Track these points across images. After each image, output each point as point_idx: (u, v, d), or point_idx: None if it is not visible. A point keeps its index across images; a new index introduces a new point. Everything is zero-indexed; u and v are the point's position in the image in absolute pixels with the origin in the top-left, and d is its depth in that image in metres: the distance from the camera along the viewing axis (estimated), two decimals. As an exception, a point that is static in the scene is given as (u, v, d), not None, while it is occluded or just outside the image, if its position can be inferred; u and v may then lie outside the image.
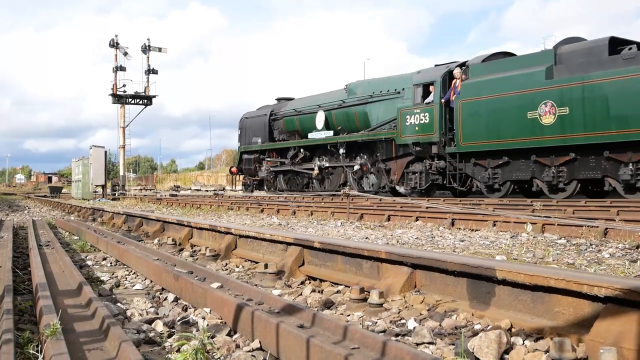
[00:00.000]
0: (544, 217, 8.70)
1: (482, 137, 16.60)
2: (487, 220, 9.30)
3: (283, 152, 25.97)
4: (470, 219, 9.64)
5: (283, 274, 5.01)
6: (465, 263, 3.36)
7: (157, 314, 3.78)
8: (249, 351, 2.90)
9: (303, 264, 5.13)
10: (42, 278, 4.16)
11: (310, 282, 4.84)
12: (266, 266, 4.98)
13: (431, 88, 18.61)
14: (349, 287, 4.16)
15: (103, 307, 3.31)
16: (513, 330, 3.00)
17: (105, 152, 35.85)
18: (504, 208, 11.45)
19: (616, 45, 14.65)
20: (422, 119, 18.54)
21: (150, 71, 36.39)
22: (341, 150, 22.34)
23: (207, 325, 3.34)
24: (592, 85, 14.23)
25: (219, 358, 2.83)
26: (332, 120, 23.19)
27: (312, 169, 23.93)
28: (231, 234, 6.62)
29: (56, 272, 5.17)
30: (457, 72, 17.82)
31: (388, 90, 20.68)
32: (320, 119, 23.68)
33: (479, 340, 2.68)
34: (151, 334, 3.20)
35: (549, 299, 2.92)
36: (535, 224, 8.40)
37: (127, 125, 36.52)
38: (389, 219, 11.38)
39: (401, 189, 19.82)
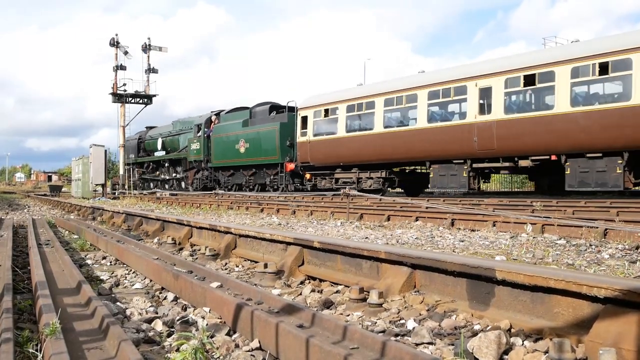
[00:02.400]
0: (544, 217, 8.70)
1: (222, 158, 28.96)
2: (486, 221, 9.30)
3: (143, 164, 38.86)
4: (470, 219, 9.64)
5: (283, 273, 5.01)
6: (464, 263, 3.36)
7: (157, 313, 3.78)
8: (249, 351, 2.90)
9: (303, 263, 5.13)
10: (41, 277, 4.16)
11: (309, 282, 4.84)
12: (266, 266, 4.98)
13: (201, 127, 31.19)
14: (348, 287, 4.16)
15: (102, 306, 3.31)
16: (512, 330, 3.00)
17: (105, 151, 35.83)
18: (504, 208, 11.45)
19: (274, 109, 26.81)
20: (197, 146, 31.19)
21: (151, 70, 36.35)
22: (166, 164, 35.87)
23: (207, 324, 3.34)
24: (257, 132, 26.41)
25: (218, 357, 2.83)
26: (166, 144, 35.89)
27: (157, 176, 37.46)
28: (231, 233, 6.62)
29: (56, 271, 5.17)
30: (213, 118, 30.76)
31: (187, 127, 33.38)
32: (159, 144, 36.49)
33: (478, 340, 2.68)
34: (150, 333, 3.20)
35: (549, 300, 2.92)
36: (535, 224, 8.41)
37: (127, 124, 36.47)
38: (388, 219, 11.38)
39: (190, 189, 31.92)
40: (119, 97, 36.07)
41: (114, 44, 35.66)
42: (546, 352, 2.58)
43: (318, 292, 4.42)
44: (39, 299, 3.41)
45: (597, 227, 7.51)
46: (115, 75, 35.87)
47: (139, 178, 38.92)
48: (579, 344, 2.63)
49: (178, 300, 4.19)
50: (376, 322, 3.37)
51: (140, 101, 36.74)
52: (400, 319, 3.41)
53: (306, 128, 22.88)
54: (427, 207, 11.68)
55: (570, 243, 7.03)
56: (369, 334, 2.63)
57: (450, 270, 3.48)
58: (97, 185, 33.28)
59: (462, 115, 17.16)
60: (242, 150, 27.09)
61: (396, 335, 3.09)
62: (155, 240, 8.73)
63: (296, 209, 14.52)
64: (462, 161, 17.27)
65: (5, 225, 10.53)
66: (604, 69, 13.89)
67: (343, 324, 2.80)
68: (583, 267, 5.12)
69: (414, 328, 3.12)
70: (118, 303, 4.06)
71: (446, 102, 17.69)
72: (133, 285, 5.01)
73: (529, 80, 15.52)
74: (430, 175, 18.47)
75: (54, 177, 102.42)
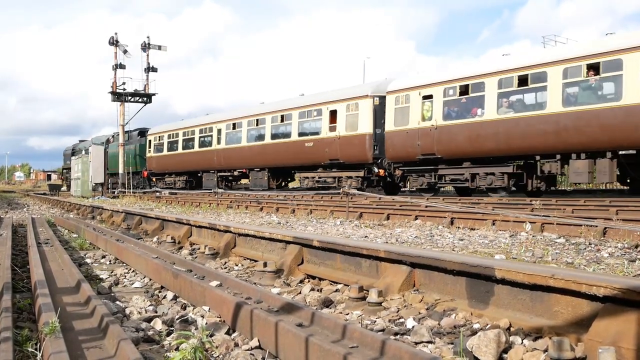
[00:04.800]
0: (543, 216, 8.70)
1: (113, 167, 37.74)
2: (486, 220, 9.30)
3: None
4: (470, 218, 9.64)
5: (282, 272, 5.01)
6: (464, 262, 3.36)
7: (156, 312, 3.78)
8: (248, 350, 2.90)
9: (302, 262, 5.13)
10: (41, 276, 4.16)
11: (309, 281, 4.85)
12: (265, 264, 4.98)
13: (104, 144, 40.40)
14: (348, 285, 4.16)
15: (102, 306, 3.31)
16: (512, 329, 3.00)
17: (105, 149, 35.82)
18: (503, 207, 11.45)
19: (141, 133, 37.25)
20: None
21: (150, 69, 36.30)
22: None
23: (206, 323, 3.34)
24: (129, 149, 37.04)
25: (217, 356, 2.83)
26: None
27: None
28: (230, 232, 6.62)
29: (55, 269, 5.17)
30: (110, 138, 40.45)
31: (98, 143, 40.55)
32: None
33: (477, 339, 2.68)
34: (150, 332, 3.20)
35: (548, 299, 2.92)
36: (535, 223, 8.41)
37: (126, 123, 36.43)
38: (388, 218, 11.38)
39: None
40: (119, 96, 36.04)
41: (114, 42, 35.62)
42: (545, 350, 2.58)
43: (317, 290, 4.42)
44: (38, 298, 3.41)
45: (596, 226, 7.52)
46: (115, 74, 35.85)
47: (71, 179, 48.54)
48: (578, 343, 2.63)
49: (177, 299, 4.19)
50: (375, 321, 3.37)
51: (140, 100, 36.70)
52: (400, 318, 3.41)
53: (151, 147, 35.34)
54: (426, 206, 11.68)
55: (569, 242, 7.03)
56: (368, 332, 2.63)
57: (450, 269, 3.48)
58: (96, 184, 33.45)
59: (212, 144, 29.64)
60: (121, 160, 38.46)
61: (395, 334, 3.09)
62: (155, 239, 8.73)
63: (295, 208, 14.52)
64: (214, 172, 29.65)
65: (4, 224, 10.52)
66: (282, 118, 24.51)
67: (342, 323, 2.80)
68: (582, 266, 5.12)
69: (413, 327, 3.13)
70: (117, 302, 4.06)
71: (205, 136, 30.21)
72: (132, 284, 5.01)
73: (234, 125, 27.66)
74: (203, 180, 30.99)
75: (54, 176, 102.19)
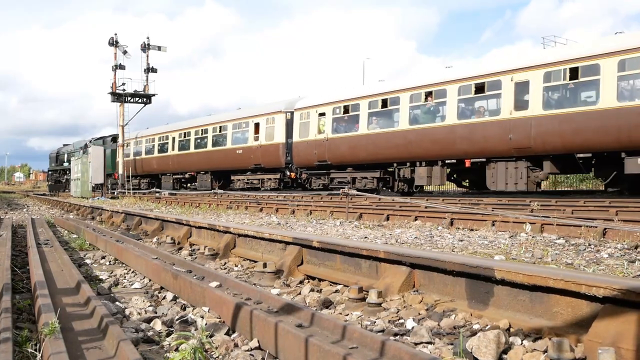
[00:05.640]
0: (543, 217, 8.70)
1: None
2: (486, 220, 9.30)
3: (57, 171, 51.63)
4: (469, 219, 9.63)
5: (282, 273, 5.00)
6: (464, 263, 3.37)
7: (156, 312, 3.78)
8: (248, 350, 2.90)
9: (302, 263, 5.13)
10: (40, 276, 4.16)
11: (309, 282, 4.84)
12: (265, 265, 4.98)
13: (83, 148, 42.97)
14: (347, 286, 4.16)
15: (101, 306, 3.31)
16: (512, 330, 3.00)
17: (104, 150, 35.79)
18: (503, 208, 11.45)
19: (115, 139, 38.55)
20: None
21: (150, 70, 36.26)
22: (68, 172, 45.32)
23: (206, 324, 3.34)
24: (107, 153, 36.28)
25: (217, 357, 2.83)
26: (70, 158, 44.96)
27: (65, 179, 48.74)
28: (230, 232, 6.62)
29: (55, 270, 5.16)
30: (88, 143, 41.31)
31: (78, 147, 44.21)
32: (66, 157, 46.97)
33: (477, 340, 2.68)
34: (150, 333, 3.20)
35: (548, 299, 2.92)
36: (534, 223, 8.41)
37: (126, 124, 36.41)
38: (387, 219, 11.38)
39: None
40: (118, 97, 36.03)
41: (113, 43, 35.59)
42: (545, 351, 2.59)
43: (317, 291, 4.42)
44: (38, 299, 3.41)
45: (596, 227, 7.52)
46: (115, 74, 35.82)
47: (55, 180, 52.38)
48: (578, 344, 2.63)
49: (177, 300, 4.19)
50: (375, 322, 3.37)
51: (140, 101, 36.67)
52: (400, 319, 3.41)
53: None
54: (426, 207, 11.68)
55: (569, 242, 7.03)
56: (368, 333, 2.63)
57: (450, 269, 3.48)
58: (96, 185, 33.45)
59: (167, 150, 34.54)
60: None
61: (395, 334, 3.09)
62: (155, 239, 8.72)
63: (295, 209, 14.52)
64: (169, 174, 34.54)
65: (4, 225, 10.52)
66: (220, 129, 29.26)
67: (342, 324, 2.80)
68: (582, 267, 5.12)
69: (413, 327, 3.12)
70: (117, 303, 4.06)
71: (163, 143, 35.33)
72: (132, 284, 5.01)
73: (184, 134, 32.81)
74: (162, 182, 35.53)
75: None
